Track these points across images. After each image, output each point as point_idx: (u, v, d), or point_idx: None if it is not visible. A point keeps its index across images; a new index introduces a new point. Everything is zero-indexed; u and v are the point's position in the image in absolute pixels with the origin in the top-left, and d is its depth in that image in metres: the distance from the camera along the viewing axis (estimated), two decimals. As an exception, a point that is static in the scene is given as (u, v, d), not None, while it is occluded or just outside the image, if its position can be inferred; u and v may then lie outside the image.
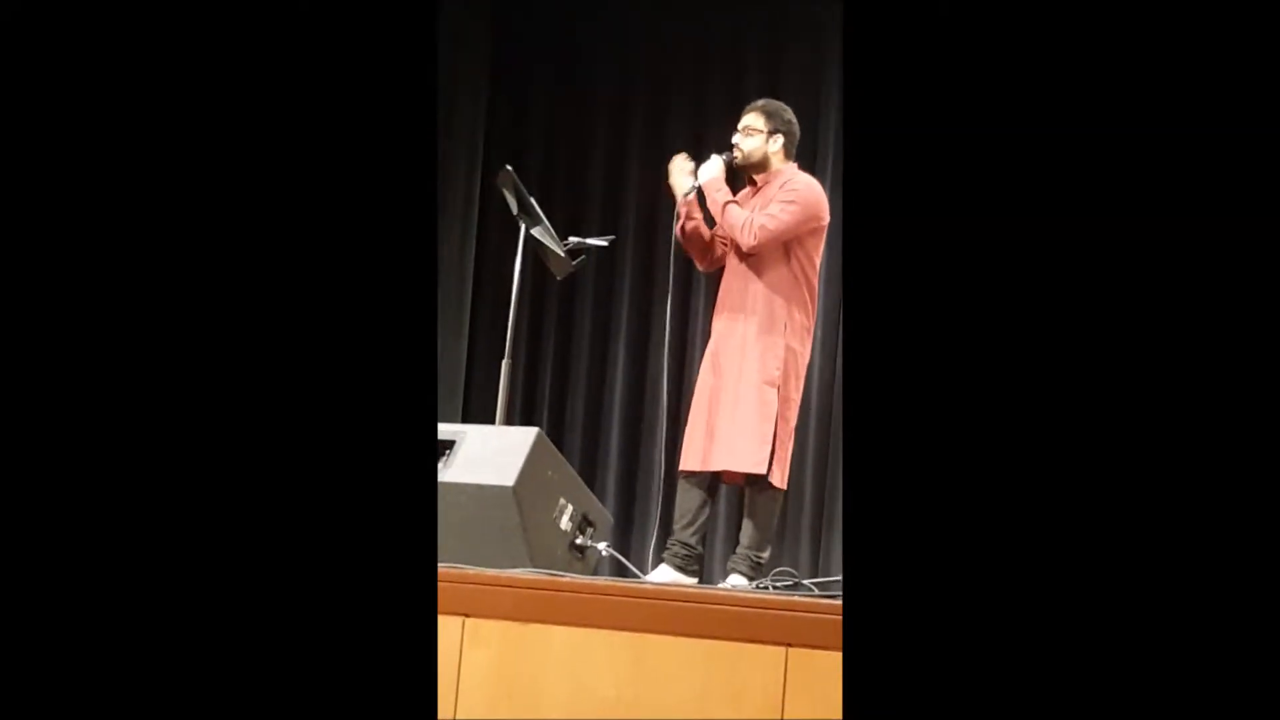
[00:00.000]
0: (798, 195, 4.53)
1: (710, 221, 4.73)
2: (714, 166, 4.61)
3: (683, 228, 4.72)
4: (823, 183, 5.47)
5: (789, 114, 4.68)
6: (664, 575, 4.42)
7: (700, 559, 4.53)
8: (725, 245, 4.68)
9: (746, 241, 4.46)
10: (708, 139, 4.85)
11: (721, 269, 4.70)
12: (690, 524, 4.50)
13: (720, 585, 4.40)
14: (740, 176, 4.68)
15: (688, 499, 4.53)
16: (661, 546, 4.83)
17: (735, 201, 4.57)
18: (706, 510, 4.54)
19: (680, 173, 4.69)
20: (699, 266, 4.86)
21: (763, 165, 4.61)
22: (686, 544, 4.47)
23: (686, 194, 4.64)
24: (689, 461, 4.55)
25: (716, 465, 4.48)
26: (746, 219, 4.47)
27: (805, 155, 6.35)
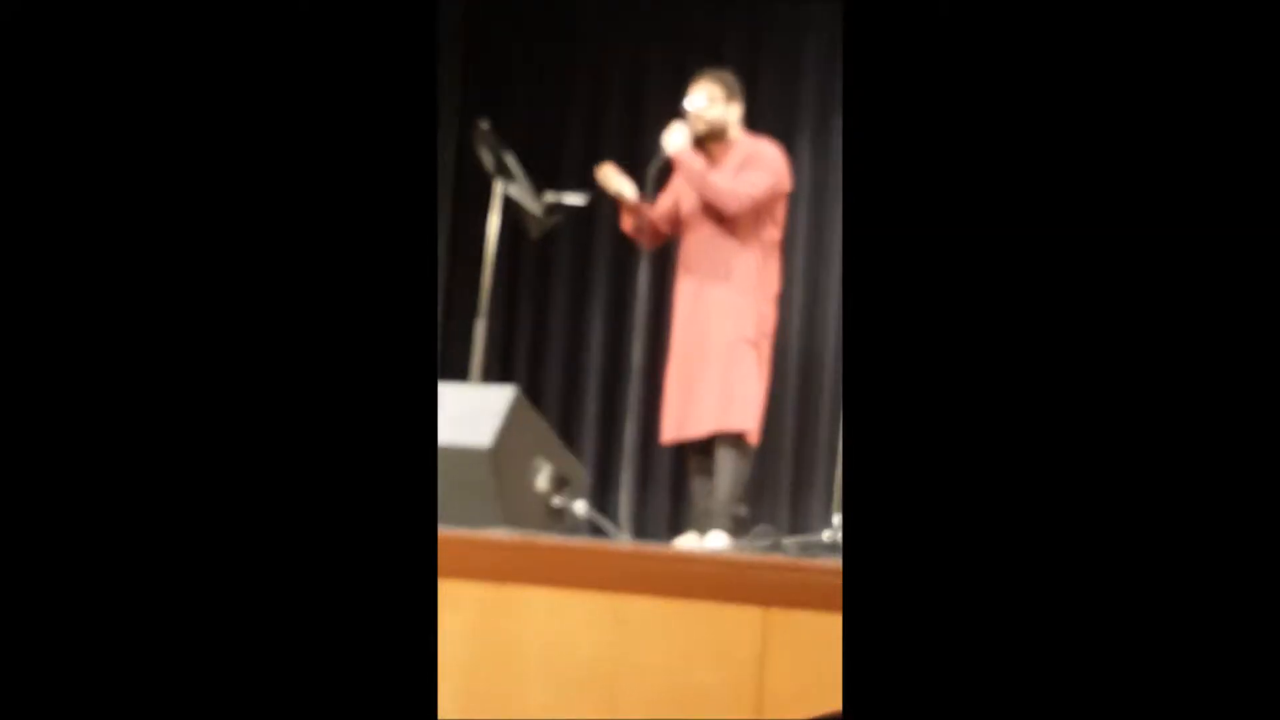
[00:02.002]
0: (772, 163, 4.57)
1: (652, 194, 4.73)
2: (681, 135, 4.59)
3: (635, 226, 4.73)
4: (802, 143, 5.47)
5: (738, 82, 4.71)
6: (716, 541, 4.45)
7: (742, 519, 4.57)
8: (668, 222, 4.69)
9: (731, 208, 4.49)
10: (686, 92, 4.82)
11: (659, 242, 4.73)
12: (731, 491, 4.56)
13: (704, 542, 4.42)
14: (695, 143, 4.68)
15: (703, 468, 4.59)
16: (639, 508, 4.85)
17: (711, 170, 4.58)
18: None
19: (614, 178, 4.67)
20: (645, 248, 4.83)
21: (722, 134, 4.63)
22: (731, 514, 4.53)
23: (658, 161, 4.63)
24: (687, 430, 4.56)
25: (705, 429, 4.50)
26: (729, 186, 4.49)
27: (784, 115, 6.33)
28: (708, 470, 4.61)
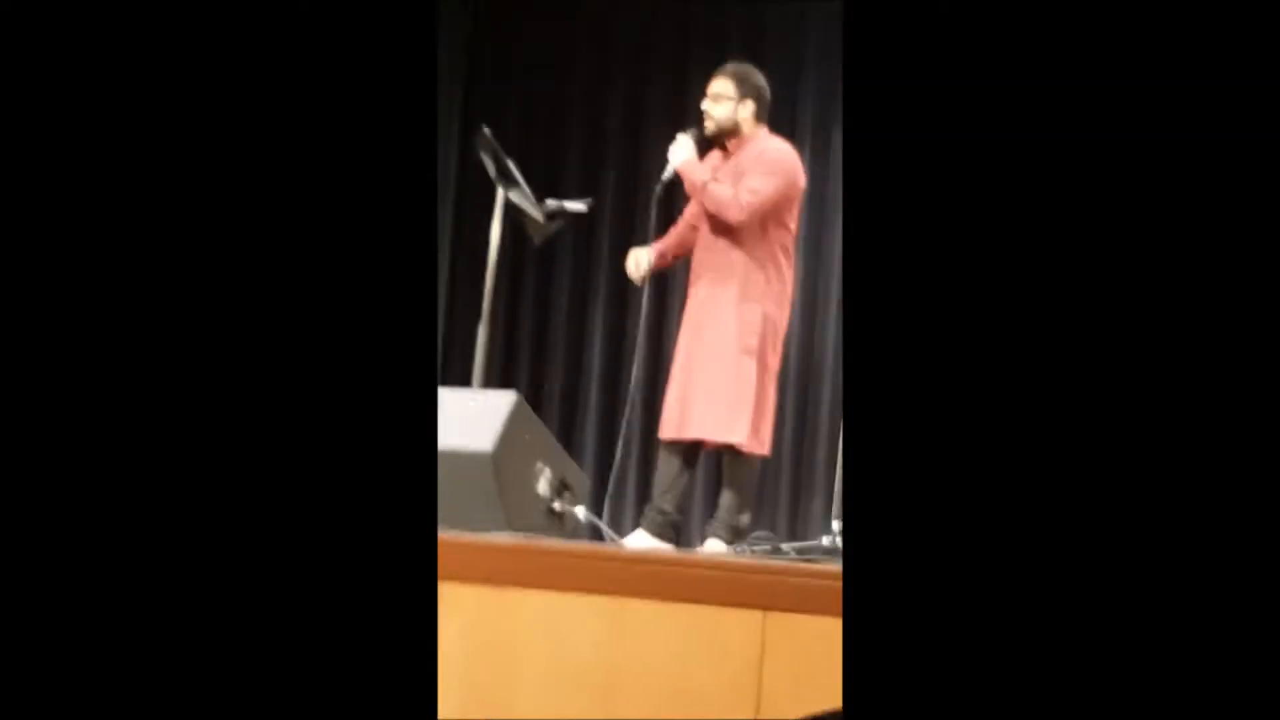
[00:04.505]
0: (777, 165, 4.54)
1: (673, 206, 4.73)
2: (684, 147, 4.57)
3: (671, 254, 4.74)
4: (802, 150, 5.46)
5: (758, 77, 4.66)
6: (640, 540, 4.42)
7: (677, 526, 4.54)
8: (690, 233, 4.69)
9: (736, 219, 4.46)
10: (687, 98, 4.82)
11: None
12: (668, 490, 4.50)
13: (698, 550, 4.41)
14: (709, 142, 4.67)
15: (667, 466, 4.54)
16: (640, 512, 4.85)
17: (714, 180, 4.54)
18: (685, 477, 4.55)
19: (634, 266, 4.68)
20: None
21: (735, 131, 4.59)
22: (663, 510, 4.48)
23: (665, 175, 4.61)
24: (668, 430, 4.55)
25: (696, 434, 4.48)
26: (731, 196, 4.45)
27: (783, 122, 6.33)
28: (673, 469, 4.56)
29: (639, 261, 4.73)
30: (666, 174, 4.61)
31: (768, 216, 4.53)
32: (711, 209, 4.52)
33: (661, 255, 4.77)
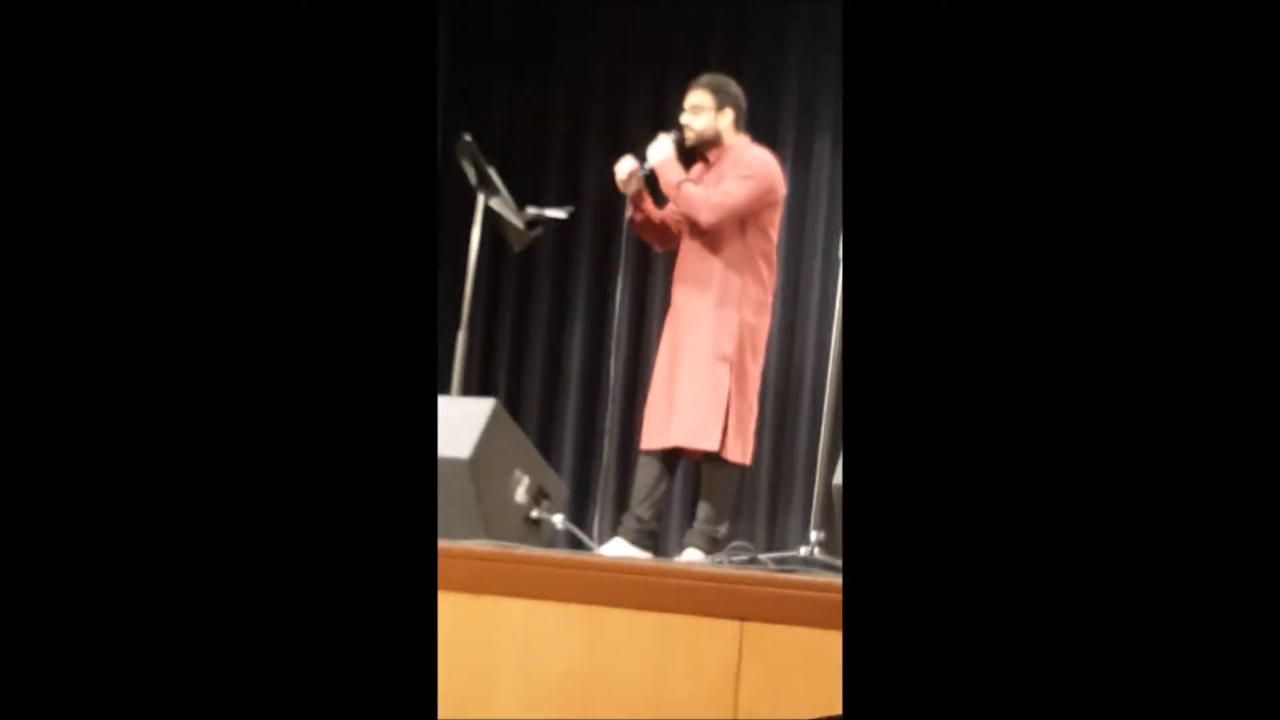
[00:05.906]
0: (753, 170, 4.53)
1: (660, 202, 4.70)
2: (664, 147, 4.57)
3: (633, 221, 4.70)
4: (781, 158, 5.48)
5: (735, 86, 4.67)
6: (617, 549, 4.42)
7: (654, 534, 4.53)
8: (680, 224, 4.67)
9: (705, 220, 4.45)
10: (668, 107, 4.82)
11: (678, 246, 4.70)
12: (646, 499, 4.49)
13: (676, 559, 4.40)
14: (691, 152, 4.67)
15: (646, 474, 4.53)
16: (617, 521, 4.85)
17: (689, 180, 4.55)
18: (664, 485, 4.54)
19: (625, 173, 4.63)
20: (657, 249, 4.84)
21: (715, 141, 4.60)
22: (640, 518, 4.47)
23: (642, 172, 4.60)
24: (646, 437, 4.55)
25: (671, 441, 4.47)
26: (703, 197, 4.46)
27: (763, 129, 6.34)
28: (651, 476, 4.53)
29: (631, 172, 4.61)
30: (642, 171, 4.60)
31: (747, 223, 4.53)
32: (684, 209, 4.53)
33: (638, 208, 4.69)
